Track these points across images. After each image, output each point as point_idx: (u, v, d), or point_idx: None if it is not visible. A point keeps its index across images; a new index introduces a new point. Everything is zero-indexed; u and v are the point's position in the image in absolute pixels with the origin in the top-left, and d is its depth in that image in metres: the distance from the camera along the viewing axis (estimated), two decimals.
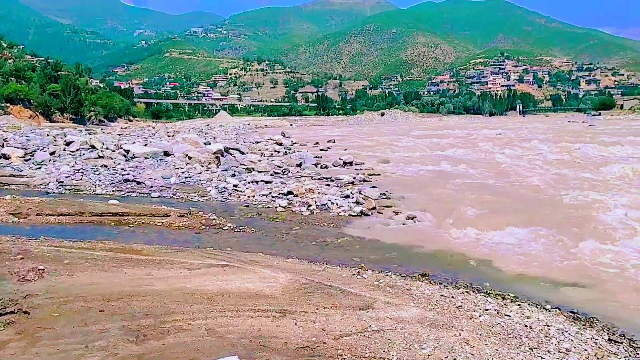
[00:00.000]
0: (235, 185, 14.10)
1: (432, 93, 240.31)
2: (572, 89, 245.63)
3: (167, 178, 15.34)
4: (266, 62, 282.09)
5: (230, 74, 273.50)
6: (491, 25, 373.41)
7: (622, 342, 4.69)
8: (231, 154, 21.56)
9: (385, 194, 13.10)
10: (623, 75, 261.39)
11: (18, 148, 20.67)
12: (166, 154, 19.89)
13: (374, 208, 11.41)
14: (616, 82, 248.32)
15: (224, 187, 13.99)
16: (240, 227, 9.66)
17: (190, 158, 18.89)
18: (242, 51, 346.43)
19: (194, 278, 6.01)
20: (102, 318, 4.60)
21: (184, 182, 15.23)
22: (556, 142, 30.19)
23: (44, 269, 5.96)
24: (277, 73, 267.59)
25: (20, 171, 16.72)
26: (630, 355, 4.41)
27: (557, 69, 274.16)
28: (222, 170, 17.14)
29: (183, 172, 16.59)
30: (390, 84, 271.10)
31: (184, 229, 9.51)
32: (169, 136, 35.63)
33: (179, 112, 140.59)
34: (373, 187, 13.96)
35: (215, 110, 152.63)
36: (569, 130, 49.20)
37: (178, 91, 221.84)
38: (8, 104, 59.15)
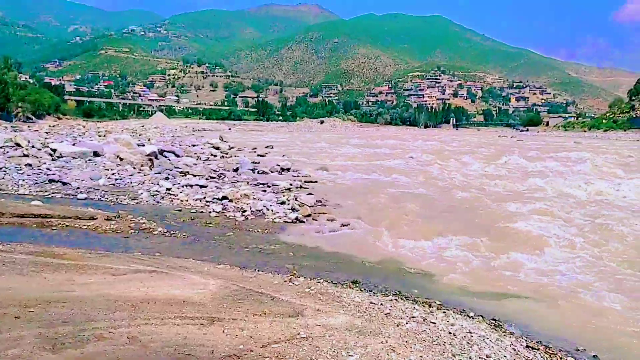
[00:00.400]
0: (168, 189, 13.74)
1: (370, 103, 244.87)
2: (503, 104, 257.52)
3: (96, 179, 14.75)
4: (207, 64, 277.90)
5: (168, 75, 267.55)
6: (429, 40, 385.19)
7: (538, 349, 4.90)
8: (166, 157, 21.04)
9: (321, 201, 13.15)
10: (550, 94, 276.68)
11: None
12: (96, 154, 19.13)
13: (309, 215, 11.43)
14: (543, 100, 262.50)
15: (157, 191, 13.60)
16: (172, 232, 9.40)
17: (121, 159, 18.27)
18: (182, 52, 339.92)
19: (118, 284, 5.76)
20: (17, 325, 4.31)
21: (113, 184, 14.68)
22: (486, 154, 31.46)
23: None
24: (217, 76, 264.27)
25: None
26: None
27: (489, 85, 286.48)
28: (155, 173, 16.67)
29: (113, 174, 15.99)
30: (331, 93, 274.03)
31: (111, 233, 9.14)
32: (100, 136, 34.35)
33: (113, 112, 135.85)
34: (309, 194, 13.99)
35: (152, 111, 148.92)
36: (498, 144, 51.39)
37: (112, 90, 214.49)
38: None
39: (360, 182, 18.09)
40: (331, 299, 5.84)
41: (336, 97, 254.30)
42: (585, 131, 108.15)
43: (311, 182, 17.30)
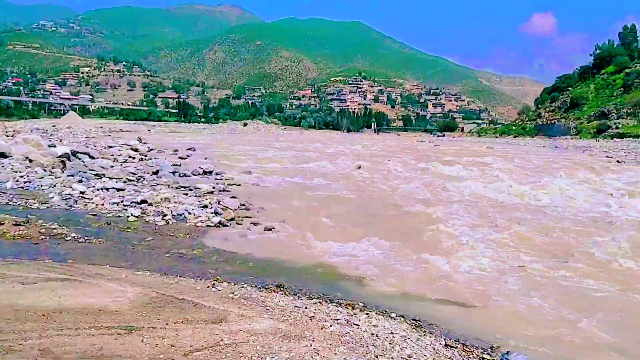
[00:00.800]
0: (82, 192, 13.03)
1: (294, 107, 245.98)
2: (421, 110, 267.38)
3: (3, 182, 13.74)
4: (124, 63, 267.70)
5: (82, 73, 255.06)
6: (351, 46, 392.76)
7: (456, 347, 5.08)
8: (79, 159, 19.99)
9: (245, 205, 12.99)
10: (464, 101, 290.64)
11: None
12: (3, 155, 17.81)
13: (232, 219, 11.25)
14: (458, 107, 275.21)
15: (69, 194, 12.85)
16: (86, 238, 8.91)
17: (31, 161, 17.15)
18: (97, 49, 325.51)
19: (28, 293, 5.39)
20: None
21: (22, 188, 13.73)
22: (406, 159, 32.46)
23: None
24: (135, 75, 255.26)
25: None
26: (463, 359, 4.79)
27: (408, 91, 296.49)
28: (68, 176, 15.78)
29: (22, 176, 14.96)
30: (254, 95, 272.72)
31: (20, 239, 8.53)
32: (7, 136, 32.09)
33: (22, 111, 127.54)
34: (233, 197, 13.78)
35: (64, 110, 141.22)
36: (417, 149, 53.20)
37: (21, 88, 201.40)
38: None
39: (285, 185, 18.07)
40: (255, 303, 5.77)
41: (259, 100, 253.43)
42: (497, 137, 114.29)
43: (235, 185, 17.06)
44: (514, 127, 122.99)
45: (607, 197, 17.12)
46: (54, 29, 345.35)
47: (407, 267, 8.22)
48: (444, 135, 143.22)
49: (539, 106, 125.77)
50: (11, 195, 12.51)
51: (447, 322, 5.86)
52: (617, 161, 37.18)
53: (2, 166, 16.34)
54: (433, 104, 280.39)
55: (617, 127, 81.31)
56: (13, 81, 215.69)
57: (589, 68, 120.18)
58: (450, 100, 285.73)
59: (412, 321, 5.75)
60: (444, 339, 5.28)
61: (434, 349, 4.95)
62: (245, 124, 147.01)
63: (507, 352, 5.09)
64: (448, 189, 17.91)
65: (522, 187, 18.61)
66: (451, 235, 10.33)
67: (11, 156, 17.90)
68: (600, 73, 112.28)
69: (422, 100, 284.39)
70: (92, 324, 4.67)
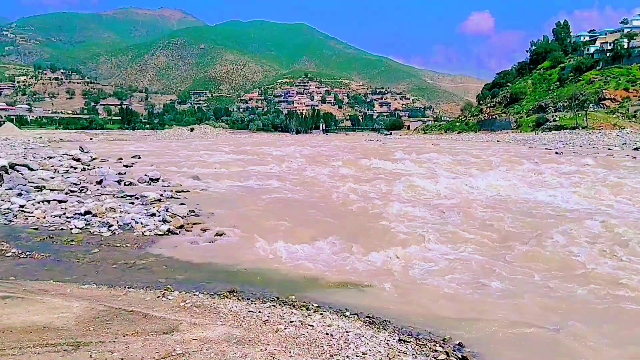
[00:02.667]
0: (21, 206, 12.48)
1: (241, 110, 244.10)
2: (368, 110, 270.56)
3: None
4: (61, 70, 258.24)
5: (18, 82, 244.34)
6: (296, 48, 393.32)
7: (409, 341, 5.18)
8: (18, 171, 19.12)
9: (194, 211, 12.78)
10: (409, 99, 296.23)
11: None
12: None
13: (181, 226, 11.05)
14: (404, 105, 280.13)
15: (8, 209, 12.29)
16: (27, 253, 8.55)
17: None
18: (33, 57, 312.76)
19: None
20: None
21: None
22: (355, 158, 32.79)
23: None
24: (74, 83, 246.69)
25: None
26: (416, 353, 4.89)
27: (354, 91, 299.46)
28: (6, 189, 15.07)
29: None
30: (200, 99, 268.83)
31: None
32: None
33: None
34: (181, 204, 13.54)
35: (0, 121, 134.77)
36: (366, 148, 53.83)
37: None
38: None
39: (235, 190, 17.90)
40: (208, 310, 5.70)
41: (206, 104, 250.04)
42: (442, 133, 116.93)
43: (183, 191, 16.75)
44: (457, 124, 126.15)
45: (548, 187, 17.87)
46: None
47: (359, 265, 8.31)
48: (391, 134, 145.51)
49: (481, 102, 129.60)
50: None
51: (399, 318, 5.95)
52: (556, 152, 38.81)
53: None
54: (379, 103, 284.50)
55: (554, 120, 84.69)
56: None
57: (526, 64, 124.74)
58: (396, 99, 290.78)
59: (366, 318, 5.82)
60: (398, 334, 5.37)
61: (388, 344, 5.02)
62: (192, 129, 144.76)
63: (459, 344, 5.23)
64: (397, 186, 18.21)
65: (466, 181, 19.15)
66: (401, 232, 10.52)
67: None
68: (537, 68, 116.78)
69: (368, 100, 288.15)
70: (36, 342, 4.49)
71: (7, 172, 17.67)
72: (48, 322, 5.01)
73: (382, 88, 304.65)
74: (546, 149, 45.30)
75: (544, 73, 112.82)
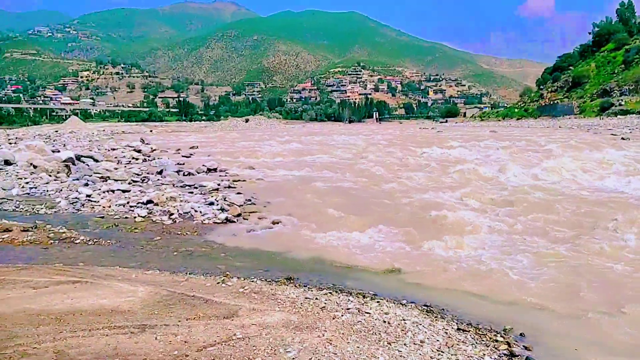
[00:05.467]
0: (88, 195, 13.09)
1: (295, 100, 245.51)
2: (422, 97, 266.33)
3: (8, 189, 13.81)
4: (122, 65, 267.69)
5: (81, 77, 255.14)
6: (348, 36, 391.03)
7: (469, 331, 5.09)
8: (84, 162, 20.03)
9: (250, 200, 13.02)
10: (465, 86, 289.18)
11: None
12: (7, 162, 17.89)
13: (239, 214, 11.28)
14: (459, 92, 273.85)
15: (76, 198, 12.92)
16: (95, 240, 8.97)
17: (35, 167, 17.21)
18: (95, 53, 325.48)
19: (40, 297, 5.44)
20: None
21: (28, 194, 13.82)
22: (409, 146, 32.38)
23: None
24: (134, 77, 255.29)
25: None
26: (476, 342, 4.81)
27: (408, 79, 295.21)
28: (74, 180, 15.85)
29: (27, 183, 15.05)
30: (254, 91, 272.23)
31: (29, 245, 8.60)
32: (10, 143, 32.18)
33: (23, 118, 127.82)
34: (238, 193, 13.82)
35: (66, 115, 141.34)
36: (420, 136, 53.05)
37: (21, 94, 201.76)
38: None
39: (289, 179, 18.08)
40: (266, 297, 5.80)
41: (259, 95, 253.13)
42: (499, 120, 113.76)
43: (239, 181, 17.08)
44: (516, 110, 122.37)
45: (616, 175, 17.08)
46: (50, 34, 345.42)
47: (415, 254, 8.23)
48: (446, 121, 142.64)
49: (541, 87, 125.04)
50: (17, 202, 12.59)
51: (458, 307, 5.86)
52: (622, 138, 36.98)
53: (7, 173, 16.42)
54: (434, 90, 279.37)
55: (620, 105, 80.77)
56: (12, 89, 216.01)
57: (589, 46, 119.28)
58: (451, 86, 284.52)
59: (424, 307, 5.77)
60: (456, 323, 5.29)
61: (447, 333, 4.97)
62: (246, 120, 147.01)
63: (521, 334, 5.10)
64: (453, 174, 17.88)
65: (527, 169, 18.57)
66: (457, 220, 10.33)
67: (15, 163, 17.98)
68: (600, 51, 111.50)
69: (422, 88, 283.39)
70: (105, 324, 4.71)
71: (74, 164, 18.55)
72: (115, 306, 5.24)
73: (437, 75, 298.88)
74: (612, 134, 43.18)
75: (607, 55, 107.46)
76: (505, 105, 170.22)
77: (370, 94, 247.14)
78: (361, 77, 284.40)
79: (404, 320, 5.18)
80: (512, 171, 18.06)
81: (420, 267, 7.50)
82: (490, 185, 15.79)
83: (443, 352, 4.48)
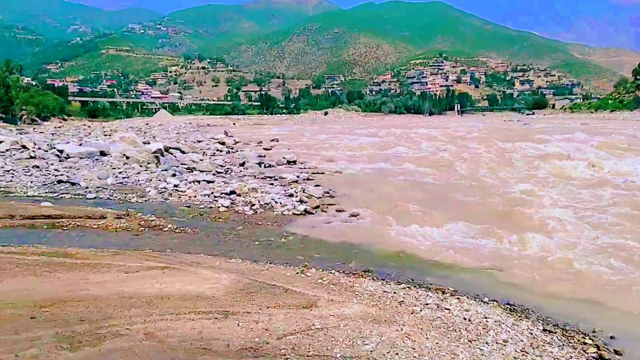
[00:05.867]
0: (175, 185, 13.76)
1: (374, 93, 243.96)
2: (507, 89, 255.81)
3: (104, 178, 14.79)
4: (207, 60, 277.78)
5: (170, 72, 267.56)
6: (429, 27, 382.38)
7: (555, 332, 4.88)
8: (172, 154, 21.06)
9: (329, 192, 13.15)
10: (554, 76, 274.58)
11: None
12: (102, 153, 19.17)
13: (317, 206, 11.43)
14: (548, 83, 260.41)
15: (164, 187, 13.63)
16: (182, 228, 9.42)
17: (128, 158, 18.31)
18: (183, 49, 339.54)
19: (131, 281, 5.79)
20: (33, 325, 4.35)
21: (121, 183, 14.73)
22: (493, 140, 31.28)
23: None
24: (219, 71, 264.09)
25: None
26: (563, 344, 4.59)
27: (492, 69, 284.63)
28: (162, 170, 16.71)
29: (120, 172, 16.05)
30: (333, 84, 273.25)
31: (122, 231, 9.18)
32: (105, 135, 34.42)
33: (117, 111, 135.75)
34: (317, 185, 14.00)
35: (155, 109, 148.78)
36: (505, 129, 51.10)
37: (115, 89, 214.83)
38: None
39: (368, 172, 18.06)
40: (344, 288, 5.85)
41: (339, 88, 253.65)
42: (592, 112, 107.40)
43: (318, 173, 17.28)
44: (610, 101, 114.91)
45: None
46: (143, 31, 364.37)
47: (497, 251, 7.98)
48: (533, 114, 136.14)
49: (638, 77, 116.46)
50: (111, 191, 13.47)
51: (543, 307, 5.63)
52: None
53: (103, 164, 17.59)
54: (520, 81, 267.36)
55: None
56: (107, 84, 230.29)
57: None
58: (539, 76, 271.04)
59: (506, 305, 5.59)
60: (542, 324, 5.08)
61: (531, 333, 4.78)
62: (325, 113, 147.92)
63: (611, 337, 4.82)
64: (539, 169, 17.11)
65: (620, 165, 17.42)
66: (544, 218, 9.88)
67: (110, 154, 19.20)
68: None
69: (508, 78, 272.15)
70: (191, 309, 4.95)
71: (162, 155, 19.54)
72: (200, 292, 5.49)
73: (524, 65, 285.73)
74: None
75: None
76: (599, 96, 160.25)
77: (452, 85, 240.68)
78: (443, 69, 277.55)
79: (485, 318, 5.04)
80: (606, 168, 17.00)
81: (502, 265, 7.26)
82: (581, 182, 14.95)
83: (527, 353, 4.33)
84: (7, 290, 5.25)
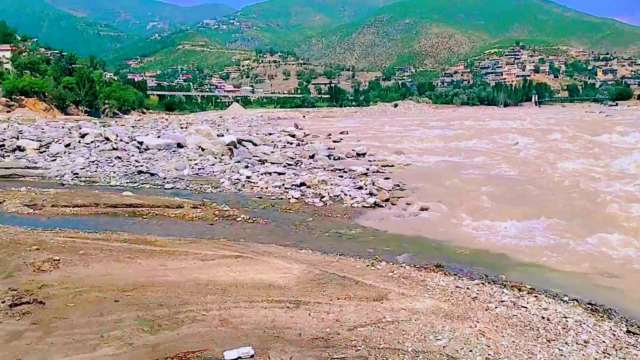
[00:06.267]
0: (248, 177, 14.10)
1: (445, 84, 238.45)
2: (589, 79, 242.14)
3: (180, 169, 15.39)
4: (279, 53, 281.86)
5: (242, 66, 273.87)
6: (506, 15, 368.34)
7: None
8: (244, 146, 21.56)
9: (398, 185, 13.03)
10: None
11: (33, 140, 20.80)
12: (179, 145, 19.91)
13: (387, 199, 11.36)
14: (633, 72, 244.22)
15: (237, 179, 14.00)
16: (254, 218, 9.65)
17: (203, 149, 18.92)
18: (255, 43, 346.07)
19: (207, 269, 6.01)
20: (117, 308, 4.61)
21: (197, 174, 15.27)
22: (573, 132, 29.78)
23: (59, 260, 5.99)
24: (289, 64, 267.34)
25: (35, 163, 16.87)
26: None
27: (573, 58, 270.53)
28: (235, 162, 17.16)
29: (196, 164, 16.62)
30: (404, 75, 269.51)
31: (198, 220, 9.53)
32: (182, 128, 35.72)
33: (192, 104, 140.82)
34: (386, 178, 13.90)
35: (228, 102, 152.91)
36: (586, 121, 48.52)
37: (191, 83, 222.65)
38: (23, 97, 59.44)
39: (438, 164, 17.72)
40: (415, 282, 5.79)
41: (409, 80, 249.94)
42: None
43: (387, 166, 17.15)
44: None
45: None
46: (217, 26, 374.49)
47: (578, 249, 7.60)
48: (616, 105, 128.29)
49: None
50: (188, 181, 14.00)
51: (627, 308, 5.33)
52: None
53: (180, 155, 18.27)
54: (603, 70, 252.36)
55: None
56: (183, 78, 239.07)
57: None
58: (624, 66, 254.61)
59: (588, 305, 5.34)
60: (626, 325, 4.81)
61: (614, 334, 4.54)
62: (395, 105, 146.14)
63: None
64: (623, 164, 16.15)
65: None
66: (628, 215, 9.32)
67: (186, 146, 19.91)
68: None
69: (590, 68, 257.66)
70: (264, 297, 5.06)
71: (235, 147, 20.04)
72: (272, 281, 5.61)
73: (607, 54, 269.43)
74: None
75: None
76: None
77: (529, 75, 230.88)
78: (519, 58, 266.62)
79: (565, 317, 4.83)
80: None
81: (582, 263, 6.93)
82: None
83: (610, 354, 4.11)
84: (93, 275, 5.59)
